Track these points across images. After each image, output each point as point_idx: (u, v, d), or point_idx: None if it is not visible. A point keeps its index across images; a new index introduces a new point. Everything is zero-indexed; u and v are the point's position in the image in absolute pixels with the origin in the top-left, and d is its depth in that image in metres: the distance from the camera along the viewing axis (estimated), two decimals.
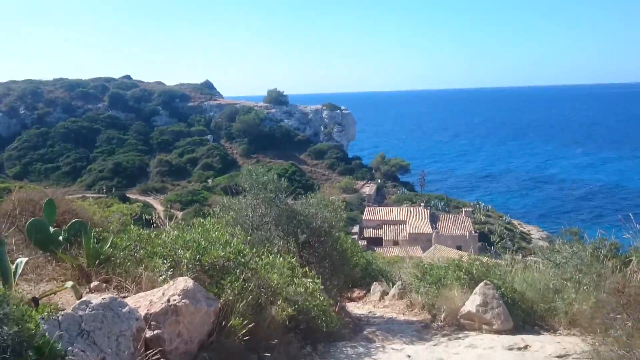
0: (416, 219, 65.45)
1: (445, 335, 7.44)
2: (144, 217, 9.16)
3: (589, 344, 6.04)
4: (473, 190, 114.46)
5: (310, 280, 6.44)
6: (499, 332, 7.24)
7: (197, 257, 5.57)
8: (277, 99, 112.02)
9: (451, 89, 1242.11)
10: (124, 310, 4.29)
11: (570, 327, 7.24)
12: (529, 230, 73.81)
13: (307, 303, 5.98)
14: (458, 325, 7.78)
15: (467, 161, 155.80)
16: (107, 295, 4.33)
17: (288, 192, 10.12)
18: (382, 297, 10.61)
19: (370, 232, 65.44)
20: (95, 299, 4.22)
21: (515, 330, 7.39)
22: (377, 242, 63.03)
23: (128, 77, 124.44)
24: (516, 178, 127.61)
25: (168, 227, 7.52)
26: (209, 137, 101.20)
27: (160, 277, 5.41)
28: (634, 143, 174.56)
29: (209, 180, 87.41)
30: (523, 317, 7.68)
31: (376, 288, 11.22)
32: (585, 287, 7.29)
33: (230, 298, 5.23)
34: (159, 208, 77.54)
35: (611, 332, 5.26)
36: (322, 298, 6.07)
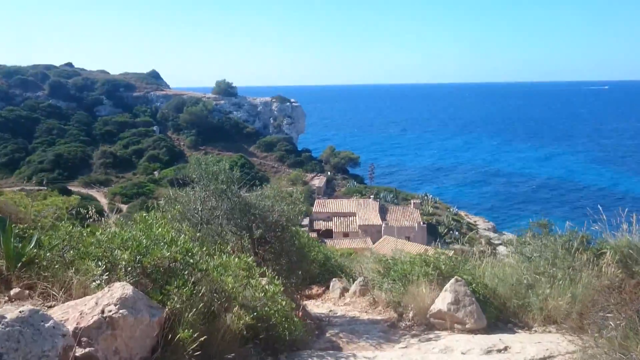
0: (366, 211, 65.61)
1: (415, 336, 6.85)
2: (81, 211, 8.18)
3: (573, 343, 5.60)
4: (421, 183, 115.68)
5: (268, 280, 5.75)
6: (472, 331, 6.73)
7: (138, 258, 4.73)
8: (226, 90, 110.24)
9: (401, 84, 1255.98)
10: (47, 325, 3.51)
11: (545, 323, 6.81)
12: (475, 221, 74.94)
13: (267, 309, 5.21)
14: (427, 324, 7.25)
15: (416, 155, 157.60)
16: (25, 308, 3.53)
17: (241, 183, 9.33)
18: (342, 294, 10.03)
19: (320, 225, 65.27)
20: (11, 312, 3.43)
21: (489, 329, 6.92)
22: (327, 234, 62.95)
23: (70, 65, 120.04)
24: (464, 171, 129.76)
25: (106, 222, 6.66)
26: (155, 128, 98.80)
27: (94, 283, 4.60)
28: (576, 138, 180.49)
29: (156, 172, 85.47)
30: (496, 314, 7.23)
31: (336, 285, 10.59)
32: (560, 282, 6.87)
33: (178, 306, 4.47)
34: (103, 201, 75.33)
35: (603, 332, 4.80)
36: (283, 303, 5.28)
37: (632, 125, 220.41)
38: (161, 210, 7.41)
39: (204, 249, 5.27)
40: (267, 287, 5.28)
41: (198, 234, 6.74)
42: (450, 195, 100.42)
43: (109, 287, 4.25)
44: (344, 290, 10.23)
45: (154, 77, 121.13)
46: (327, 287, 10.89)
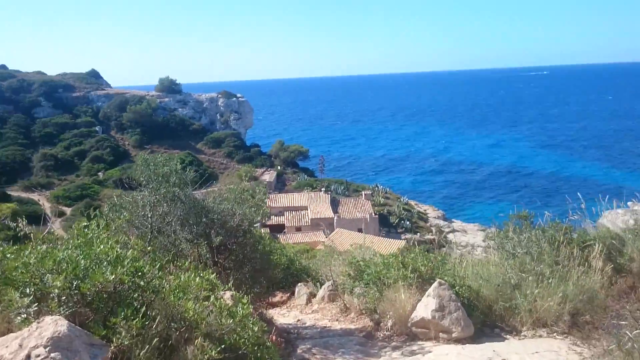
0: (317, 204, 65.32)
1: (396, 349, 6.16)
2: (8, 224, 7.02)
3: (576, 353, 5.05)
4: (373, 174, 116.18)
5: (232, 295, 4.94)
6: (459, 340, 6.08)
7: (75, 283, 3.72)
8: (169, 87, 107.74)
9: (346, 76, 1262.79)
10: None
11: (534, 327, 6.21)
12: (425, 210, 75.59)
13: (235, 336, 4.24)
14: (409, 334, 6.56)
15: (367, 146, 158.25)
16: None
17: (195, 185, 8.44)
18: (309, 300, 9.18)
19: (272, 220, 64.51)
20: None
21: (476, 336, 6.29)
22: (279, 229, 62.45)
23: (3, 66, 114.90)
24: (414, 161, 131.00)
25: (41, 234, 5.71)
26: (97, 128, 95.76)
27: (19, 317, 3.69)
28: (522, 124, 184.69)
29: (100, 173, 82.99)
30: (482, 319, 6.59)
31: (302, 290, 9.67)
32: (549, 280, 6.32)
33: (126, 342, 3.59)
34: (46, 205, 72.70)
35: (619, 342, 4.23)
36: (255, 328, 4.39)
37: (573, 108, 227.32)
38: (104, 218, 6.37)
39: (157, 265, 4.31)
40: (235, 309, 4.35)
41: (149, 247, 5.84)
42: (402, 186, 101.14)
43: (38, 322, 3.35)
44: (311, 295, 9.39)
45: (94, 77, 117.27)
46: (293, 293, 10.00)
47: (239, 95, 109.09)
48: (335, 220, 61.75)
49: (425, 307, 6.20)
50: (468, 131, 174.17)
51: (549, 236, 7.00)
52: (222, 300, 4.28)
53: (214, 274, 4.57)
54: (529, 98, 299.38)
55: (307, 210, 64.75)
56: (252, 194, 8.69)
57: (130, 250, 4.50)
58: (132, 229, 6.93)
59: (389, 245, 54.42)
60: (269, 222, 63.88)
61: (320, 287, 9.21)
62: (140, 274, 3.95)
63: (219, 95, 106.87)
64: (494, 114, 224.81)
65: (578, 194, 8.24)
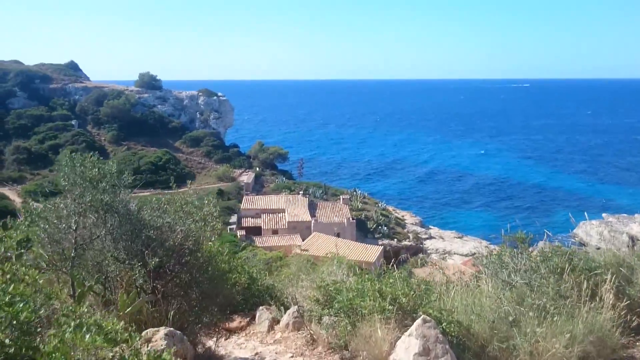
0: (295, 207, 64.55)
1: None
2: None
3: None
4: (355, 179, 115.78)
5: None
6: None
7: None
8: (149, 83, 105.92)
9: (334, 80, 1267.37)
10: None
11: None
12: (403, 216, 75.10)
13: None
14: None
15: (347, 150, 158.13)
16: None
17: (132, 189, 7.11)
18: (271, 327, 8.05)
19: (249, 222, 63.81)
20: None
21: None
22: (256, 231, 61.59)
23: None
24: (396, 167, 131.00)
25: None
26: (73, 122, 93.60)
27: None
28: (507, 135, 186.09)
29: None
30: None
31: (263, 315, 8.44)
32: (553, 317, 5.34)
33: None
34: (17, 200, 70.74)
35: None
36: None
37: (555, 121, 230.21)
38: (19, 230, 5.12)
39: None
40: None
41: (66, 271, 4.66)
42: (383, 192, 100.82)
43: None
44: (274, 321, 8.23)
45: (73, 69, 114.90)
46: (253, 317, 8.72)
47: (219, 94, 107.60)
48: (312, 224, 61.01)
49: (406, 350, 5.08)
50: (453, 140, 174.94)
51: (553, 264, 6.02)
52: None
53: (122, 324, 3.29)
54: (513, 109, 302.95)
55: (285, 213, 63.89)
56: (198, 206, 7.30)
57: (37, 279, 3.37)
58: (52, 244, 5.69)
59: (365, 251, 53.69)
60: (244, 225, 62.96)
61: (285, 312, 8.07)
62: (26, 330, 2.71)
63: (200, 93, 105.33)
64: (478, 123, 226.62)
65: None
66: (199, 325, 6.60)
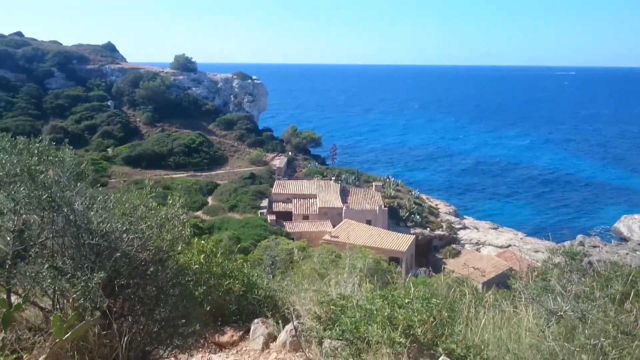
0: (327, 193, 63.98)
1: None
2: None
3: None
4: (384, 164, 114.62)
5: None
6: None
7: None
8: (184, 65, 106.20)
9: (369, 65, 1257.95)
10: None
11: None
12: (436, 205, 73.89)
13: None
14: None
15: (382, 136, 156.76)
16: None
17: (86, 184, 5.61)
18: (266, 345, 6.96)
19: (279, 206, 63.43)
20: None
21: None
22: (286, 216, 61.27)
23: (19, 34, 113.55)
24: (432, 155, 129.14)
25: None
26: (109, 103, 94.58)
27: None
28: (555, 124, 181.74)
29: (109, 149, 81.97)
30: None
31: (258, 330, 7.27)
32: None
33: None
34: None
35: None
36: None
37: (605, 111, 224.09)
38: None
39: None
40: None
41: None
42: (416, 179, 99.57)
43: None
44: (270, 338, 7.10)
45: (110, 50, 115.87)
46: (248, 331, 7.54)
47: (254, 77, 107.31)
48: (343, 211, 60.39)
49: None
50: (497, 129, 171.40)
51: (615, 291, 4.89)
52: None
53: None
54: (559, 98, 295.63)
55: (316, 198, 63.37)
56: (155, 209, 5.81)
57: None
58: None
59: (396, 240, 52.94)
60: (275, 209, 62.64)
61: (285, 326, 6.92)
62: None
63: (234, 76, 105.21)
64: (523, 113, 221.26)
65: None
66: (169, 348, 5.63)
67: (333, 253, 14.54)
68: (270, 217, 58.70)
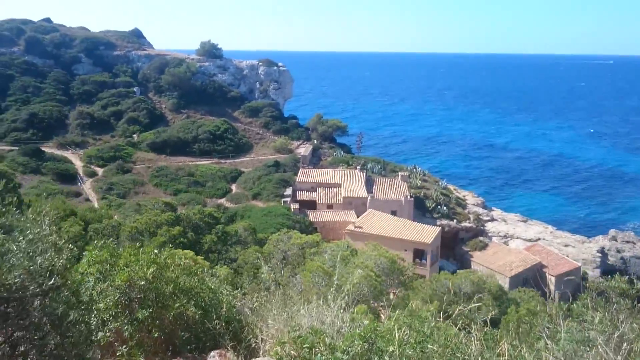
0: (351, 182, 62.88)
1: None
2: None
3: None
4: (412, 154, 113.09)
5: None
6: None
7: None
8: (210, 51, 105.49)
9: (398, 53, 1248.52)
10: None
11: None
12: (464, 196, 72.14)
13: None
14: None
15: (409, 125, 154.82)
16: None
17: None
18: None
19: (303, 195, 62.55)
20: None
21: None
22: (310, 205, 60.48)
23: (48, 20, 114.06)
24: (459, 144, 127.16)
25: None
26: (135, 89, 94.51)
27: None
28: (587, 113, 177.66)
29: (135, 135, 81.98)
30: None
31: None
32: None
33: None
34: (78, 164, 71.98)
35: None
36: None
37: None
38: None
39: None
40: None
41: None
42: (443, 168, 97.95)
43: None
44: None
45: (136, 36, 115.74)
46: None
47: (280, 64, 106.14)
48: (368, 201, 59.27)
49: None
50: (534, 120, 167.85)
51: None
52: None
53: None
54: (597, 88, 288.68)
55: (341, 187, 62.34)
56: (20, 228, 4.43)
57: None
58: None
59: (422, 231, 51.66)
60: (299, 198, 61.78)
61: None
62: None
63: (260, 63, 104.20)
64: (564, 104, 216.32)
65: None
66: None
67: (348, 248, 13.44)
68: (294, 206, 57.89)
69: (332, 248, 15.10)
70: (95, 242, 5.95)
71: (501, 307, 21.98)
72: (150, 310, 5.25)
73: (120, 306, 5.22)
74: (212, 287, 6.57)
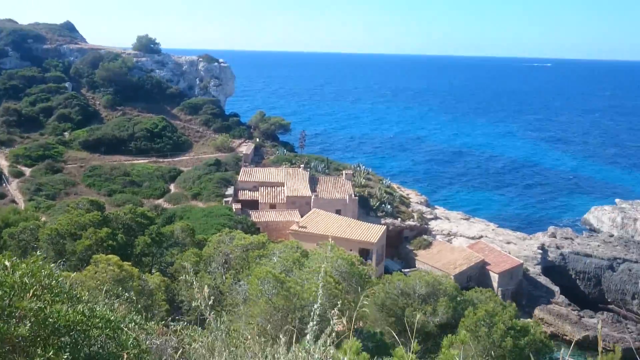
0: (295, 181, 61.42)
1: None
2: None
3: None
4: (353, 152, 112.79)
5: None
6: None
7: None
8: (148, 46, 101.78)
9: (348, 54, 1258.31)
10: None
11: None
12: (407, 194, 71.73)
13: None
14: None
15: (353, 124, 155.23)
16: None
17: None
18: None
19: (246, 194, 60.64)
20: None
21: None
22: (252, 205, 58.65)
23: None
24: (400, 141, 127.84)
25: None
26: (67, 84, 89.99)
27: None
28: (527, 115, 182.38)
29: (66, 133, 77.90)
30: None
31: None
32: None
33: None
34: (4, 163, 67.75)
35: None
36: None
37: (579, 103, 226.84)
38: None
39: None
40: None
41: None
42: (391, 168, 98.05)
43: None
44: None
45: (69, 29, 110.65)
46: None
47: (221, 60, 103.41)
48: (312, 200, 57.97)
49: None
50: (471, 119, 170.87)
51: None
52: None
53: None
54: (535, 89, 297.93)
55: (284, 187, 60.74)
56: None
57: None
58: None
59: (367, 231, 50.61)
60: (241, 198, 59.87)
61: None
62: None
63: (200, 59, 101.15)
64: (498, 102, 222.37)
65: None
66: None
67: (298, 250, 11.80)
68: (236, 206, 56.03)
69: (281, 250, 13.47)
70: None
71: (457, 309, 20.99)
72: None
73: None
74: (112, 318, 4.31)
